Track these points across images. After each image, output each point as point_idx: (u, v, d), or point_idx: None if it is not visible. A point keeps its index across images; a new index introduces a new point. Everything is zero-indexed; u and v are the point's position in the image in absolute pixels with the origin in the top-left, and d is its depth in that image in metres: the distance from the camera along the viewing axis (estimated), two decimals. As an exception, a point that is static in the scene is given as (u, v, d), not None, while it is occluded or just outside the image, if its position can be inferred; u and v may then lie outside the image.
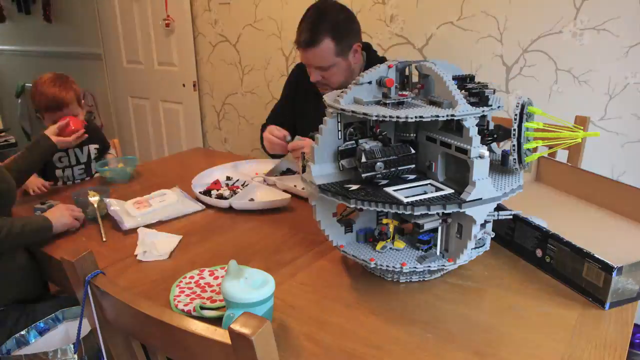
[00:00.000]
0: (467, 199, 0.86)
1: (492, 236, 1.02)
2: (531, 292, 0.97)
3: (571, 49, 1.78)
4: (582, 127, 0.94)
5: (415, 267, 0.96)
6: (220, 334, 0.59)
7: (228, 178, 1.63)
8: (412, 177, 1.00)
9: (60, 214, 1.30)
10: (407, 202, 0.87)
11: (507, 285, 1.00)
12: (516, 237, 1.11)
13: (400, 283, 1.02)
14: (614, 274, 0.88)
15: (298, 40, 1.59)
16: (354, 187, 0.95)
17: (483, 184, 0.87)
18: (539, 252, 1.05)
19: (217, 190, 1.50)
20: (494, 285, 1.00)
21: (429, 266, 0.96)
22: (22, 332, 1.20)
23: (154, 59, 3.22)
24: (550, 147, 0.98)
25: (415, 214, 0.87)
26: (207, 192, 1.49)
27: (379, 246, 1.04)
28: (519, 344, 0.82)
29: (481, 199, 0.87)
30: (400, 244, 1.05)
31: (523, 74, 1.91)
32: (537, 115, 0.96)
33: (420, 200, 0.88)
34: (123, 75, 3.48)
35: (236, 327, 0.55)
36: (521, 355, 0.79)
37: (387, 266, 0.98)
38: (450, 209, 0.87)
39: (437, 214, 0.95)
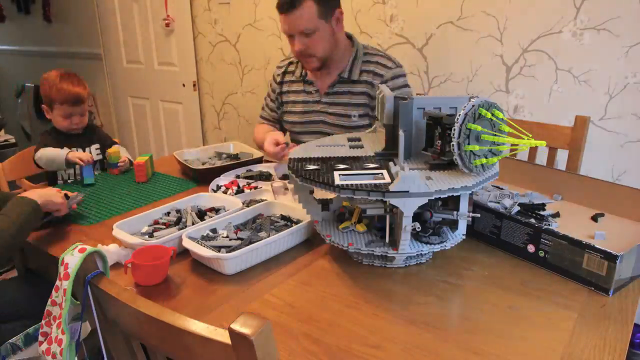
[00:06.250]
0: (391, 189, 0.91)
1: (461, 233, 1.09)
2: (530, 292, 0.97)
3: (571, 49, 1.78)
4: (530, 135, 0.98)
5: (359, 249, 1.05)
6: (220, 334, 0.59)
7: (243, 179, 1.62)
8: (373, 165, 1.06)
9: (41, 192, 1.25)
10: (337, 185, 0.95)
11: (507, 286, 1.00)
12: (503, 235, 1.12)
13: (400, 283, 1.02)
14: (617, 261, 0.92)
15: (279, 4, 1.56)
16: (312, 167, 1.05)
17: (410, 177, 0.91)
18: (531, 248, 1.07)
19: (236, 188, 1.50)
20: (494, 285, 1.00)
21: (373, 250, 1.04)
22: (17, 336, 1.18)
23: (154, 59, 3.22)
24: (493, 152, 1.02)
25: (342, 196, 0.95)
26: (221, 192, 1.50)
27: (342, 226, 1.14)
28: (519, 343, 0.82)
29: (408, 192, 0.91)
30: (361, 228, 1.12)
31: (523, 73, 1.91)
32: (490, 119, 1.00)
33: (349, 185, 0.94)
34: (123, 75, 3.48)
35: (236, 327, 0.55)
36: (520, 354, 0.79)
37: (338, 244, 1.08)
38: (374, 196, 0.93)
39: (383, 202, 1.01)
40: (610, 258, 0.93)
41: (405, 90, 1.69)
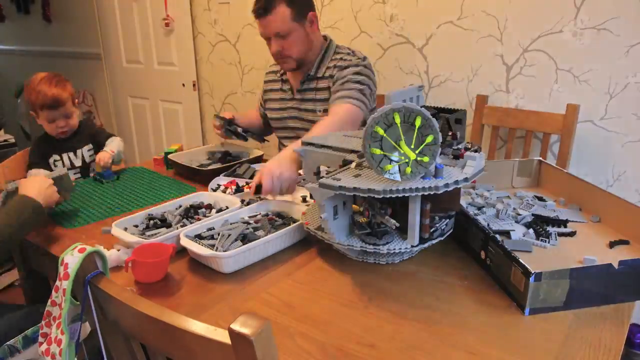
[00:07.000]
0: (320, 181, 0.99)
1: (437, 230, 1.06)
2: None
3: (571, 49, 1.78)
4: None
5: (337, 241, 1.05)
6: (220, 334, 0.59)
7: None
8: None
9: (38, 187, 1.25)
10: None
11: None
12: (468, 237, 1.10)
13: (396, 282, 1.02)
14: (531, 279, 0.87)
15: (254, 10, 1.63)
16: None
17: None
18: (482, 254, 1.04)
19: (235, 187, 1.51)
20: (490, 285, 1.00)
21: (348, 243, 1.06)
22: (15, 339, 1.17)
23: (154, 58, 3.22)
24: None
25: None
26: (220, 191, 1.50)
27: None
28: (513, 343, 0.82)
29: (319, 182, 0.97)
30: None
31: (523, 73, 1.91)
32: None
33: None
34: (123, 75, 3.48)
35: (236, 327, 0.55)
36: (515, 354, 0.79)
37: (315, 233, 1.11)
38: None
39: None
40: (527, 274, 0.87)
41: (352, 78, 1.64)
